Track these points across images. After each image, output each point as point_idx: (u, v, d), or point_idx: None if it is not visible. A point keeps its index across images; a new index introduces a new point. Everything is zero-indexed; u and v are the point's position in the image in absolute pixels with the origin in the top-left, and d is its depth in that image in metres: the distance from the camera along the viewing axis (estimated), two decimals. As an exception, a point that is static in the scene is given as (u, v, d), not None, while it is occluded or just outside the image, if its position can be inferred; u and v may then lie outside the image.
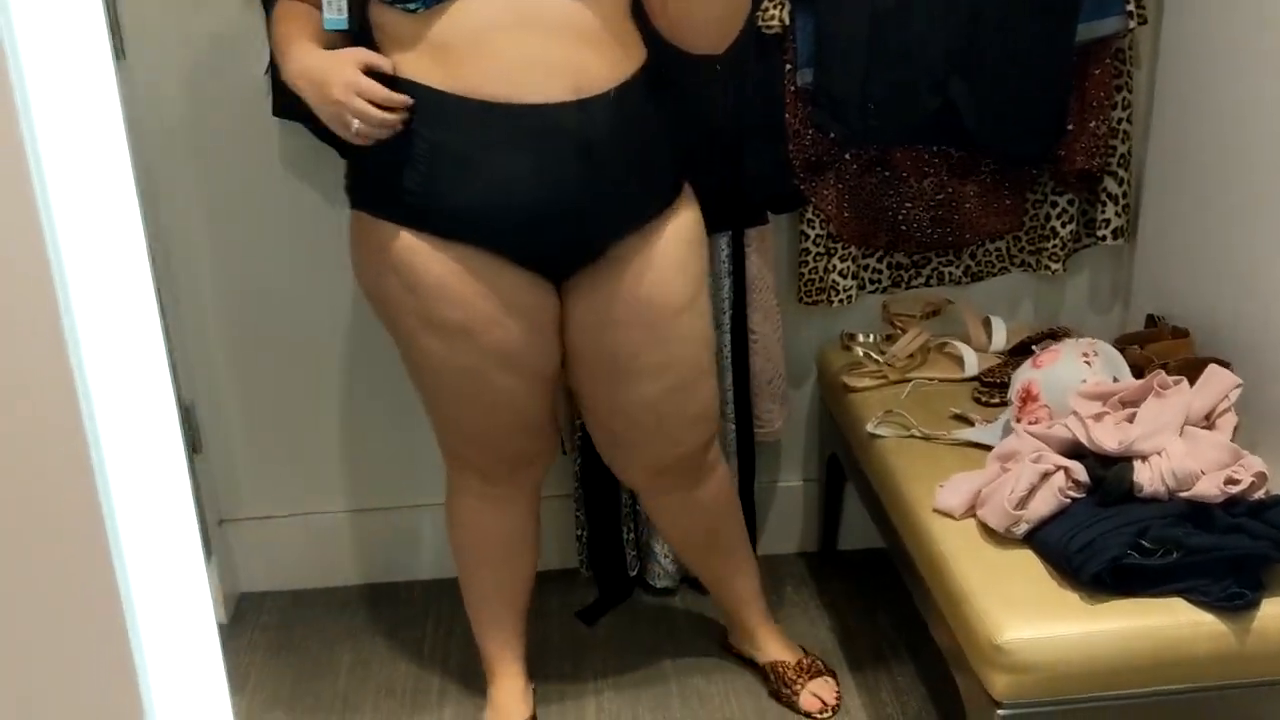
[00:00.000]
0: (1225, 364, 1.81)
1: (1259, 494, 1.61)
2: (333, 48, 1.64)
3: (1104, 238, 2.27)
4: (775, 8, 2.04)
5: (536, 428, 1.90)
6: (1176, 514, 1.59)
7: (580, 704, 2.18)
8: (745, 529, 2.18)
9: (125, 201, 0.71)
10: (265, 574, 2.48)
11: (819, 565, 2.54)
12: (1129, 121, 2.20)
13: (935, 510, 1.77)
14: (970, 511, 1.74)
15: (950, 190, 2.24)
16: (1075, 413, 1.71)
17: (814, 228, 2.24)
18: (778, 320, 2.29)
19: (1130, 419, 1.70)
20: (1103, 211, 2.25)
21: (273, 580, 2.49)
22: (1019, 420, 1.85)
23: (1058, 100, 2.11)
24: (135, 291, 0.73)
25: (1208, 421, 1.71)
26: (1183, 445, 1.63)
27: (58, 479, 0.69)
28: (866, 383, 2.17)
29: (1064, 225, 2.26)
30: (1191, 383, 1.74)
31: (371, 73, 1.60)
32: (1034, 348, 2.01)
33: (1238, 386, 1.72)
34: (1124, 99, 2.19)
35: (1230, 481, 1.58)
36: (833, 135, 2.14)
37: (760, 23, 2.04)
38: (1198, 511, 1.59)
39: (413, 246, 1.68)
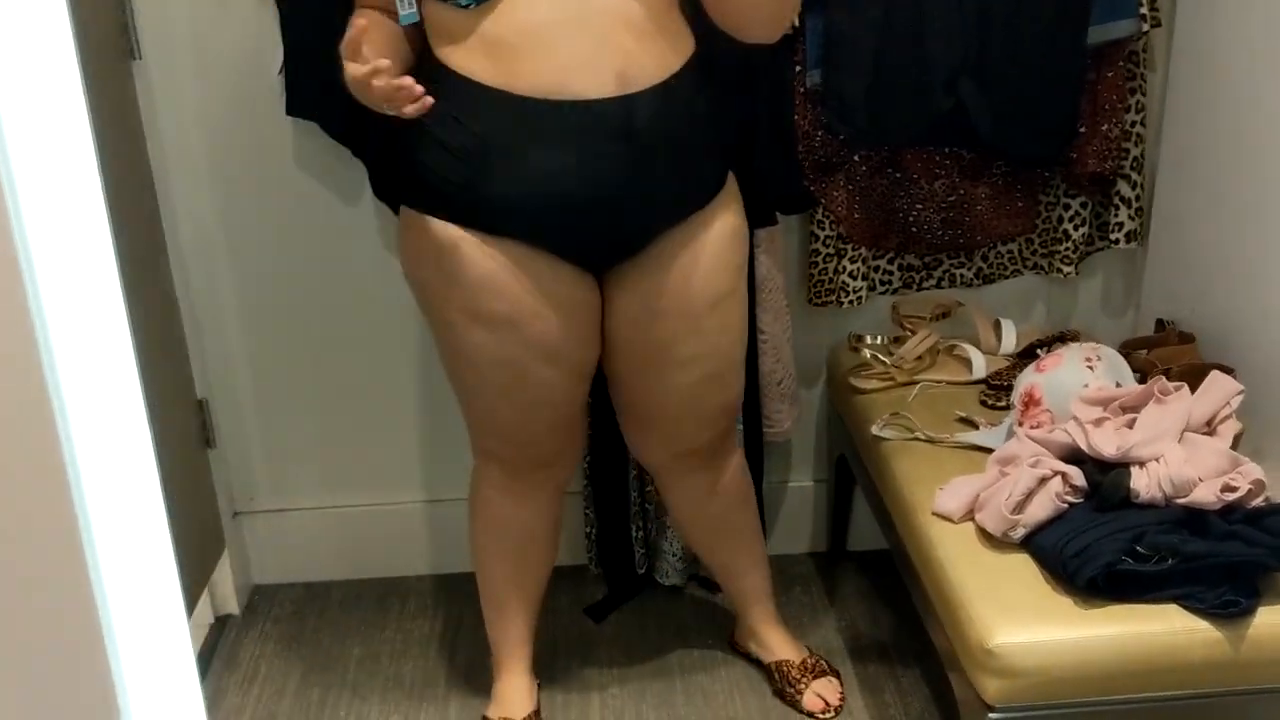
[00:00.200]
0: (1229, 370, 1.80)
1: (1257, 501, 1.60)
2: (411, 42, 1.71)
3: (1116, 241, 2.26)
4: (784, 9, 2.04)
5: (568, 425, 1.92)
6: (1173, 520, 1.59)
7: (585, 699, 2.20)
8: (759, 525, 2.19)
9: (95, 217, 0.72)
10: (279, 566, 2.52)
11: (828, 566, 2.55)
12: (1143, 124, 2.19)
13: (934, 513, 1.77)
14: (969, 515, 1.75)
15: (962, 192, 2.24)
16: (1075, 418, 1.71)
17: (824, 229, 2.24)
18: (787, 321, 2.29)
19: (1131, 424, 1.69)
20: (1115, 215, 2.24)
21: (286, 573, 2.52)
22: (1021, 424, 1.85)
23: (1069, 102, 2.10)
24: (105, 300, 0.74)
25: (1209, 428, 1.70)
26: (1181, 452, 1.62)
27: (30, 485, 0.69)
28: (873, 384, 2.17)
29: (1076, 228, 2.25)
30: (1195, 389, 1.74)
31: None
32: (1039, 351, 2.01)
33: (1240, 393, 1.71)
34: (1137, 102, 2.17)
35: (1227, 489, 1.58)
36: (842, 137, 2.14)
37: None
38: (1194, 518, 1.59)
39: (459, 240, 1.70)
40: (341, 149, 2.16)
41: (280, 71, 2.10)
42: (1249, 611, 1.55)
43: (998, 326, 2.26)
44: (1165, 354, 1.92)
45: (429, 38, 1.70)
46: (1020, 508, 1.66)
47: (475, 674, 2.25)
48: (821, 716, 2.12)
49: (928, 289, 2.34)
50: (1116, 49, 2.11)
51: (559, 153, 1.64)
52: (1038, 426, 1.80)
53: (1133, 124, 2.18)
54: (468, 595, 2.38)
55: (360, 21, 1.61)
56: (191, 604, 2.24)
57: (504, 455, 1.94)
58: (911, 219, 2.24)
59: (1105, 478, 1.63)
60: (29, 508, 0.70)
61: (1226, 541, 1.55)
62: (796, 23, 2.06)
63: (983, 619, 1.58)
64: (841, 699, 2.15)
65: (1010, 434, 1.87)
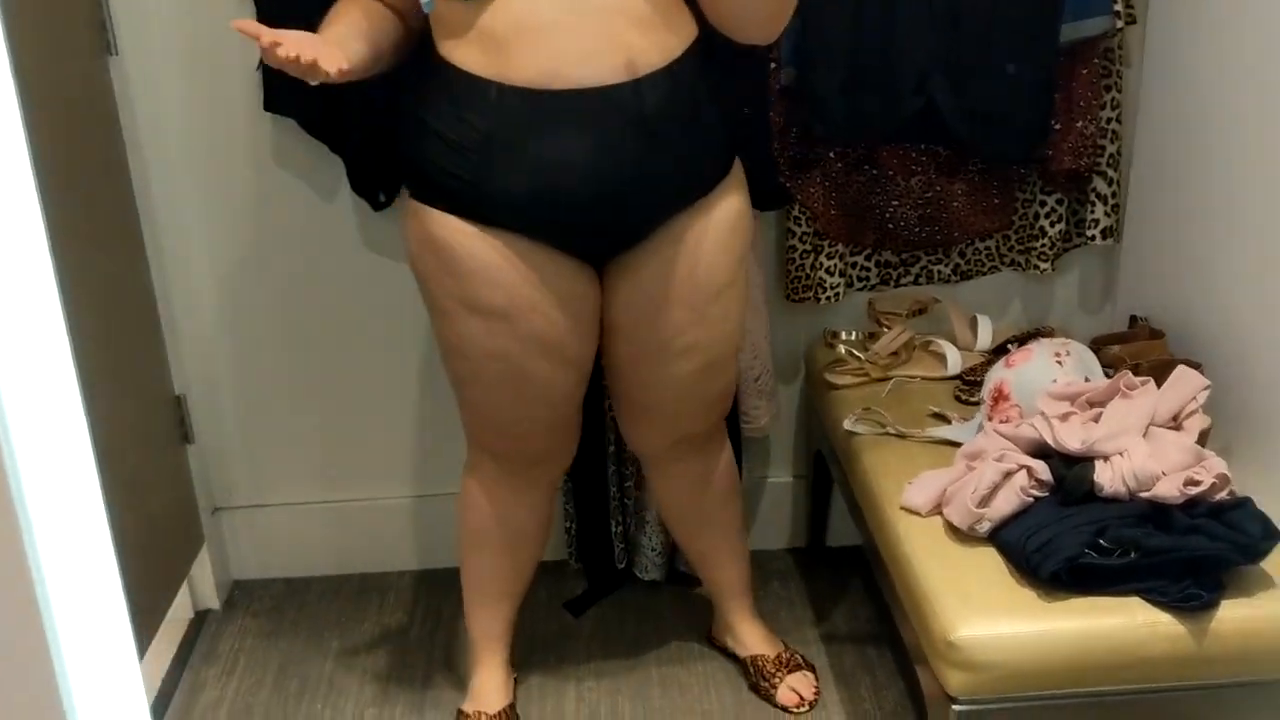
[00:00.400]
0: (1197, 365, 1.80)
1: (1221, 495, 1.60)
2: (398, 33, 1.74)
3: (1093, 238, 2.26)
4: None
5: (563, 423, 1.92)
6: (1136, 514, 1.59)
7: (561, 693, 2.20)
8: (743, 521, 2.20)
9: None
10: (259, 562, 2.52)
11: (807, 561, 2.55)
12: (1118, 121, 2.20)
13: (902, 507, 1.78)
14: (936, 509, 1.75)
15: (938, 189, 2.24)
16: (1042, 412, 1.72)
17: (801, 225, 2.25)
18: (765, 317, 2.30)
19: (1097, 419, 1.70)
20: (1092, 211, 2.25)
21: (267, 568, 2.53)
22: (991, 419, 1.86)
23: (1041, 100, 2.10)
24: (40, 299, 0.73)
25: (1175, 423, 1.71)
26: (1145, 446, 1.63)
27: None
28: (848, 380, 2.18)
29: (1053, 225, 2.26)
30: (1163, 384, 1.74)
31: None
32: (1010, 347, 2.01)
33: (1206, 388, 1.72)
34: (1113, 99, 2.18)
35: (1191, 483, 1.58)
36: (817, 133, 2.15)
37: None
38: (1158, 512, 1.59)
39: (459, 231, 1.71)
40: (319, 144, 2.16)
41: (258, 67, 2.11)
42: (1211, 605, 1.56)
43: (974, 323, 2.26)
44: (1135, 349, 1.93)
45: (433, 32, 1.71)
46: (986, 501, 1.66)
47: (453, 668, 2.26)
48: (796, 711, 2.13)
49: (905, 285, 2.35)
50: (1091, 46, 2.12)
51: (560, 144, 1.64)
52: (1006, 421, 1.81)
53: (1108, 121, 2.19)
54: (447, 591, 2.40)
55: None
56: (168, 598, 2.25)
57: (497, 449, 1.94)
58: (888, 216, 2.25)
59: (1070, 472, 1.64)
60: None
61: (1189, 535, 1.56)
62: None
63: (946, 612, 1.58)
64: (817, 693, 2.15)
65: (980, 429, 1.87)
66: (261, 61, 2.08)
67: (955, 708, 1.58)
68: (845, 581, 2.47)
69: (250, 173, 2.23)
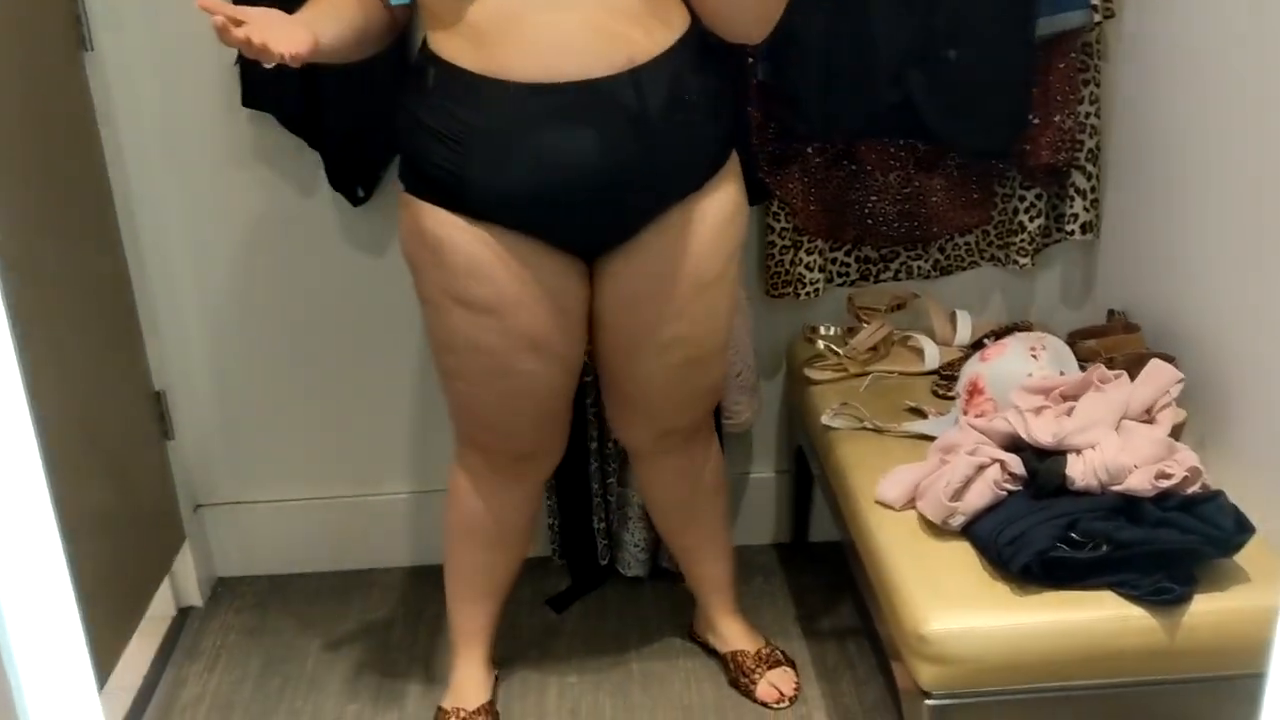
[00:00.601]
0: (1170, 359, 1.80)
1: (1193, 488, 1.60)
2: (382, 21, 1.71)
3: (1072, 232, 2.26)
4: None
5: (551, 419, 1.92)
6: (1108, 507, 1.59)
7: (543, 688, 2.20)
8: (728, 517, 2.20)
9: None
10: (242, 559, 2.53)
11: (790, 556, 2.55)
12: (1097, 116, 2.20)
13: (876, 501, 1.78)
14: (910, 503, 1.75)
15: (917, 184, 2.24)
16: (1016, 406, 1.72)
17: (780, 220, 2.25)
18: (746, 312, 2.30)
19: (1070, 413, 1.70)
20: (1071, 206, 2.25)
21: (249, 565, 2.53)
22: (966, 413, 1.86)
23: (1018, 95, 2.10)
24: None
25: (1148, 416, 1.71)
26: (1117, 439, 1.63)
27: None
28: (827, 375, 2.18)
29: (1032, 220, 2.26)
30: (1137, 377, 1.74)
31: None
32: (986, 341, 2.01)
33: (1179, 381, 1.72)
34: (1091, 93, 2.18)
35: (1162, 475, 1.58)
36: (795, 130, 2.15)
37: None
38: (1129, 505, 1.59)
39: (449, 224, 1.70)
40: (297, 140, 2.16)
41: (235, 62, 2.11)
42: (1183, 599, 1.56)
43: (954, 318, 2.26)
44: (1111, 343, 1.93)
45: (424, 24, 1.70)
46: (959, 495, 1.66)
47: (435, 665, 2.26)
48: (775, 706, 2.13)
49: (885, 280, 2.35)
50: (1068, 40, 2.12)
51: (551, 139, 1.62)
52: (981, 415, 1.81)
53: (1086, 115, 2.18)
54: (431, 588, 2.39)
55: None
56: (149, 595, 2.25)
57: (485, 444, 1.94)
58: (867, 211, 2.25)
59: (1042, 465, 1.64)
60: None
61: (1160, 529, 1.56)
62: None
63: (918, 606, 1.58)
64: (797, 689, 2.16)
65: (956, 423, 1.87)
66: (240, 56, 2.09)
67: (928, 702, 1.58)
68: (828, 576, 2.47)
69: (228, 168, 2.23)
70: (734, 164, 1.82)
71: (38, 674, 0.74)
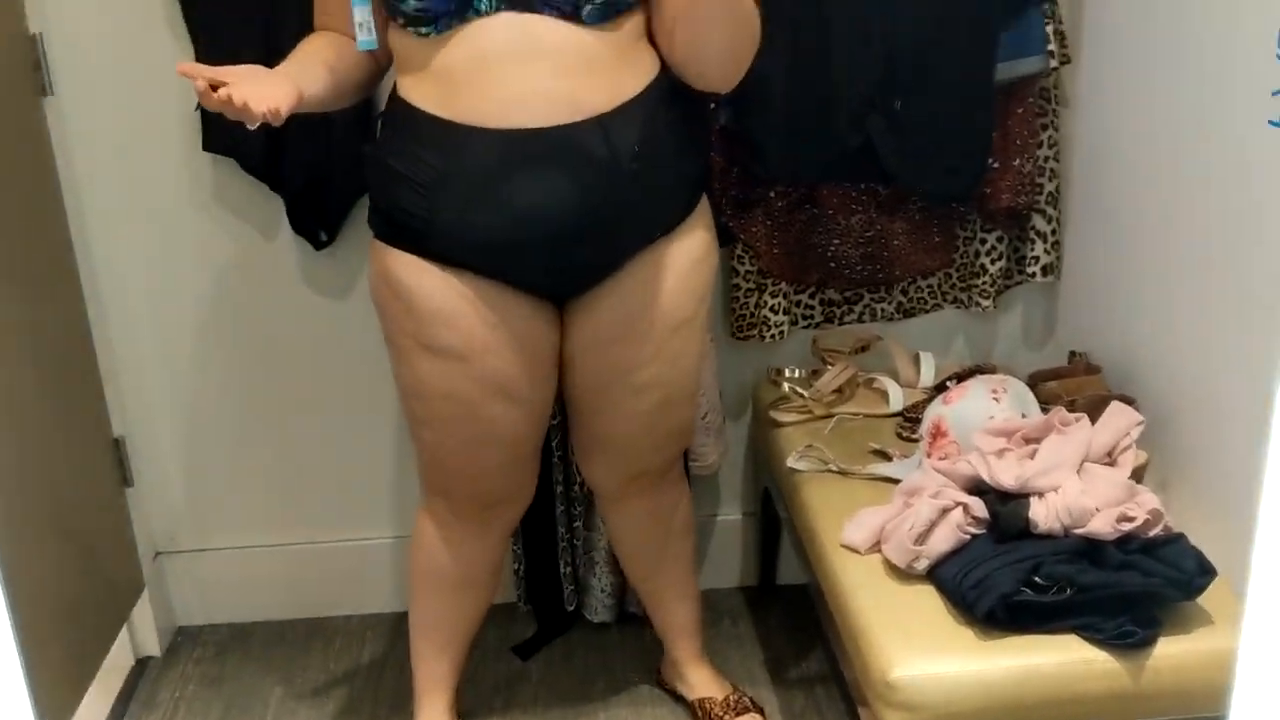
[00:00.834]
0: (1130, 401, 1.81)
1: (1155, 531, 1.61)
2: (364, 68, 1.73)
3: (1033, 275, 2.28)
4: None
5: (519, 465, 1.90)
6: (1071, 550, 1.59)
7: (507, 738, 2.18)
8: (695, 560, 2.19)
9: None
10: (203, 608, 2.49)
11: (757, 599, 2.54)
12: (1056, 160, 2.22)
13: (842, 545, 1.78)
14: (875, 547, 1.75)
15: (879, 227, 2.26)
16: (978, 449, 1.72)
17: (744, 264, 2.26)
18: (712, 355, 2.30)
19: (1033, 455, 1.70)
20: (1032, 249, 2.27)
21: (210, 614, 2.50)
22: (929, 455, 1.86)
23: (977, 139, 2.12)
24: None
25: (1110, 458, 1.72)
26: (1079, 482, 1.63)
27: None
28: (792, 417, 2.18)
29: (994, 262, 2.28)
30: (1098, 419, 1.75)
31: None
32: (948, 384, 2.02)
33: (1139, 424, 1.73)
34: (1050, 137, 2.20)
35: (1124, 519, 1.59)
36: (757, 174, 2.16)
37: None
38: (1092, 548, 1.59)
39: (417, 269, 1.69)
40: (259, 185, 2.16)
41: (196, 108, 2.10)
42: (1147, 642, 1.56)
43: (918, 359, 2.27)
44: (1072, 385, 1.94)
45: (396, 69, 1.70)
46: (923, 539, 1.66)
47: (399, 715, 2.23)
48: (742, 753, 2.11)
49: (849, 323, 2.36)
50: (1027, 85, 2.14)
51: (519, 185, 1.61)
52: (944, 458, 1.81)
53: (1046, 159, 2.21)
54: (395, 636, 2.37)
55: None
56: (106, 645, 2.21)
57: (452, 491, 1.92)
58: (830, 254, 2.26)
59: (1004, 508, 1.64)
60: None
61: (1122, 571, 1.56)
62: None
63: (884, 651, 1.58)
64: (764, 735, 2.14)
65: (920, 465, 1.87)
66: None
67: (894, 748, 1.57)
68: (796, 620, 2.46)
69: (190, 213, 2.21)
70: (704, 207, 1.82)
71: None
